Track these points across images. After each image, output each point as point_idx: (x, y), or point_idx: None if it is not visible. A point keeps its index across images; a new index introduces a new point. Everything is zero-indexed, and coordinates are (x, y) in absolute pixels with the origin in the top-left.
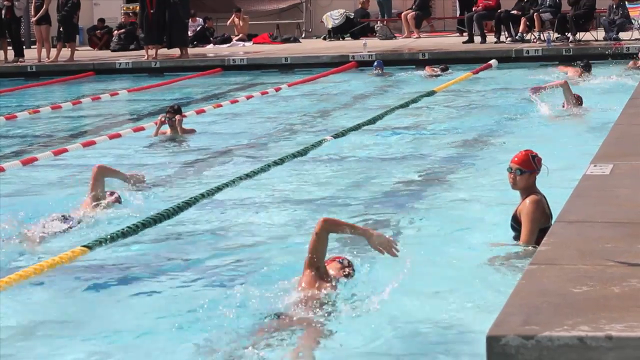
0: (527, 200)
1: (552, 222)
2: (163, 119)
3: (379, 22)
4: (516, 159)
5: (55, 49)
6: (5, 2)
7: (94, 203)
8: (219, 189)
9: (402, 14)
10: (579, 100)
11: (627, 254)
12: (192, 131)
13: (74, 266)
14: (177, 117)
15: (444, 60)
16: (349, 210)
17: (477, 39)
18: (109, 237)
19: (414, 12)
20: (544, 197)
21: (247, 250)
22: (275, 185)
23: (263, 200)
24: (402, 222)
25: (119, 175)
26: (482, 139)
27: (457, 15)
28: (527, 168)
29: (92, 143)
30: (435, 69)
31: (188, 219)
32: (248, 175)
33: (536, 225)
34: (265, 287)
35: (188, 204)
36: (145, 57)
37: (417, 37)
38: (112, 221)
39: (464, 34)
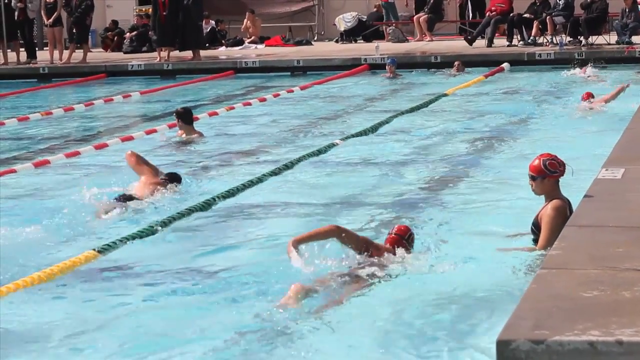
0: (549, 206)
1: None
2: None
3: (391, 25)
4: (531, 165)
5: (68, 51)
6: (19, 4)
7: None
8: (230, 192)
9: (415, 17)
10: (590, 97)
11: (638, 259)
12: (199, 135)
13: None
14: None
15: None
16: (359, 212)
17: (479, 42)
18: (118, 241)
19: (426, 15)
20: (568, 202)
21: (257, 249)
22: (286, 187)
23: (274, 202)
24: (414, 224)
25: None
26: (494, 142)
27: (470, 19)
28: (538, 174)
29: (105, 145)
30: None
31: (199, 221)
32: (259, 179)
33: (555, 232)
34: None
35: (200, 207)
36: (158, 59)
37: (429, 40)
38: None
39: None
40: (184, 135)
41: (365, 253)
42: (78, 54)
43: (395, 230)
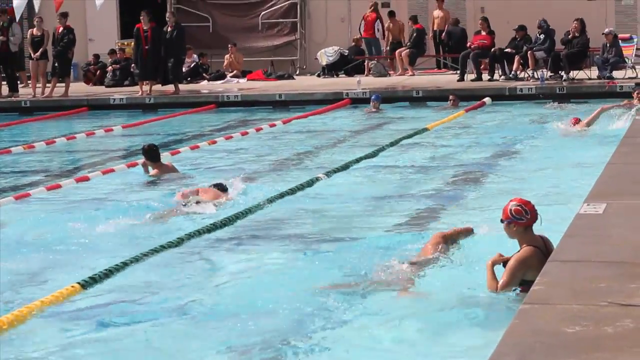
0: (513, 257)
1: None
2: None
3: (373, 59)
4: (503, 208)
5: (50, 84)
6: (0, 38)
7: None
8: (213, 226)
9: (397, 52)
10: (577, 121)
11: (620, 294)
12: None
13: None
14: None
15: (438, 98)
16: (341, 248)
17: (468, 76)
18: (101, 273)
19: (408, 50)
20: (544, 242)
21: (239, 284)
22: (269, 222)
23: (256, 238)
24: (394, 260)
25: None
26: (475, 177)
27: (444, 53)
28: (505, 218)
29: (86, 179)
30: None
31: (178, 256)
32: (243, 213)
33: (512, 280)
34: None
35: (179, 242)
36: (140, 93)
37: (411, 75)
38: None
39: (443, 69)
40: (155, 171)
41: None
42: (60, 88)
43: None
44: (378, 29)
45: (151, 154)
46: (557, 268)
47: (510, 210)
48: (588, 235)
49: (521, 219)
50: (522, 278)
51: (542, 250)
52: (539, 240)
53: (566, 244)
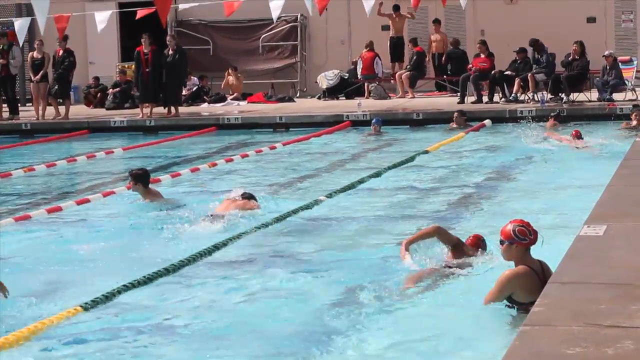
0: (504, 271)
1: None
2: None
3: (373, 82)
4: (502, 229)
5: (51, 107)
6: (1, 60)
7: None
8: (215, 247)
9: (397, 74)
10: (578, 135)
11: (621, 316)
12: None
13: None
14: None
15: (438, 120)
16: (341, 269)
17: (468, 99)
18: (103, 296)
19: (408, 72)
20: (541, 265)
21: (245, 308)
22: (269, 245)
23: (256, 260)
24: (395, 284)
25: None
26: (475, 199)
27: (446, 75)
28: (506, 239)
29: (86, 201)
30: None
31: (181, 280)
32: (243, 234)
33: (498, 294)
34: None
35: (181, 264)
36: (140, 116)
37: (411, 97)
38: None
39: (442, 92)
40: (147, 200)
41: (454, 251)
42: (60, 110)
43: (472, 236)
44: (376, 64)
45: (142, 178)
46: (558, 289)
47: (514, 230)
48: (588, 257)
49: (524, 239)
50: (511, 296)
51: (537, 273)
52: (537, 263)
53: (567, 265)
